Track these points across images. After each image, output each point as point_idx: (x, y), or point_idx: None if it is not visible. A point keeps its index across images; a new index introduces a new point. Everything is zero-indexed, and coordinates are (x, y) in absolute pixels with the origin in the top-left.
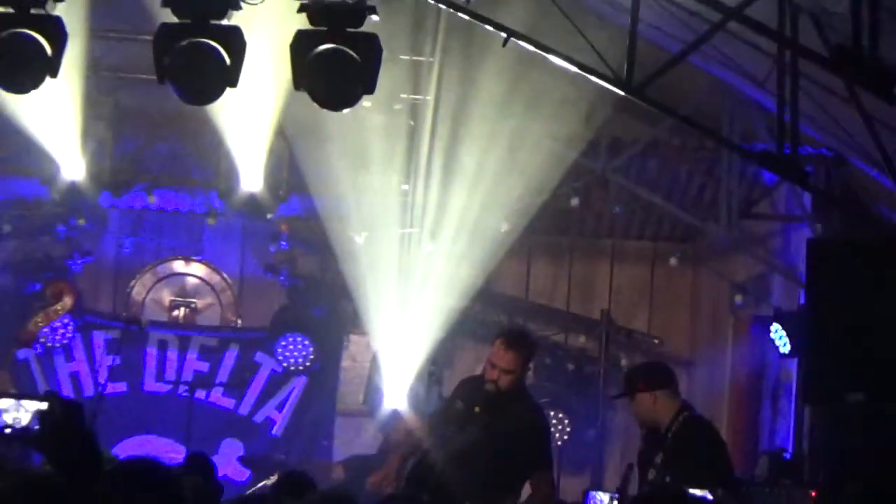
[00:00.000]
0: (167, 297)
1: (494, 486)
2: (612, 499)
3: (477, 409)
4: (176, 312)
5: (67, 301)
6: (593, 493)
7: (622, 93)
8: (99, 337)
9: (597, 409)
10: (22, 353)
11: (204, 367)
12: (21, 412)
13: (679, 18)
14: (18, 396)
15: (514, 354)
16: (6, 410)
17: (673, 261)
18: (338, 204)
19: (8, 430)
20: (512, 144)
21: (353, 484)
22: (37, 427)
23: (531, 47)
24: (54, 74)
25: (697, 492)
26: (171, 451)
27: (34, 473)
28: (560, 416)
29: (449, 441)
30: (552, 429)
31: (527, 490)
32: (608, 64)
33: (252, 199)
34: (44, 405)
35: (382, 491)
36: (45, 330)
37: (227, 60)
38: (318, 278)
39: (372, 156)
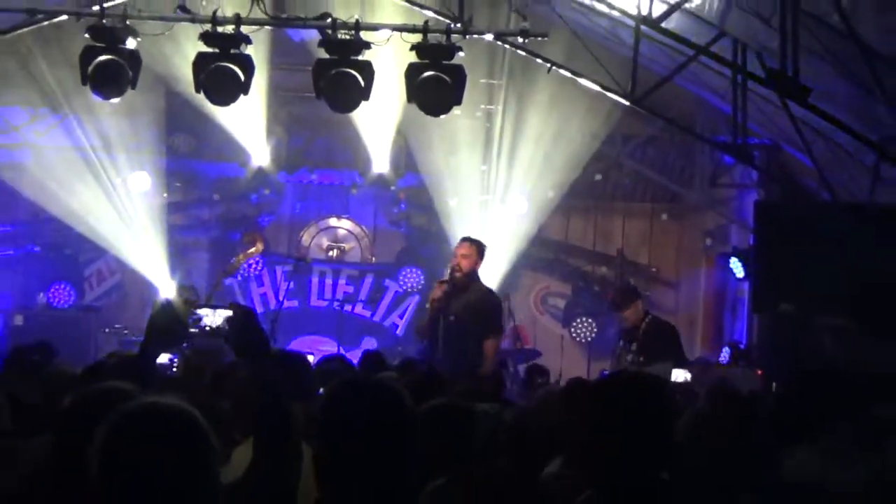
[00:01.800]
0: (325, 242)
1: (468, 349)
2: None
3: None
4: (331, 253)
5: (259, 246)
6: (605, 372)
7: (628, 103)
8: (279, 269)
9: (615, 315)
10: (228, 281)
11: (350, 289)
12: (215, 317)
13: (666, 52)
14: (213, 307)
15: (468, 245)
16: (206, 316)
17: (664, 216)
18: (438, 179)
19: (207, 329)
20: (555, 138)
21: None
22: (226, 326)
23: (567, 73)
24: (246, 93)
25: (681, 372)
26: (327, 346)
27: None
28: (589, 321)
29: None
30: (586, 331)
31: None
32: (618, 83)
33: (381, 176)
34: (229, 312)
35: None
36: (244, 266)
37: (362, 83)
38: (426, 229)
39: (460, 146)
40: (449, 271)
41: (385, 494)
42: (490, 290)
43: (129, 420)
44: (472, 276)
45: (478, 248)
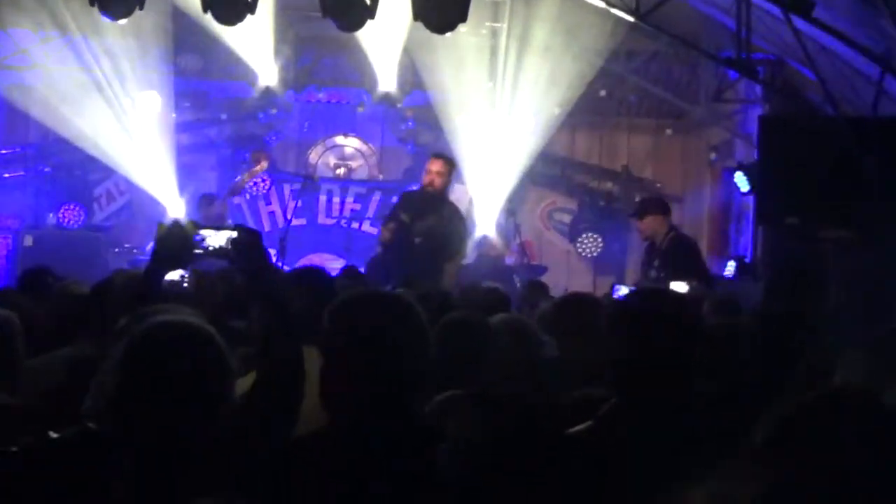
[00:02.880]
0: (332, 160)
1: (435, 269)
2: (629, 291)
3: (406, 217)
4: (338, 171)
5: (264, 164)
6: (617, 286)
7: (633, 19)
8: (287, 188)
9: (620, 230)
10: (236, 200)
11: (357, 206)
12: (218, 237)
13: None
14: (216, 227)
15: (441, 161)
16: (208, 237)
17: (669, 131)
18: (445, 96)
19: (210, 249)
20: (560, 55)
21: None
22: (230, 247)
23: None
24: (253, 12)
25: (680, 284)
26: (335, 263)
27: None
28: (595, 236)
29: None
30: (592, 246)
31: None
32: None
33: (388, 94)
34: (234, 233)
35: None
36: (250, 184)
37: (368, 1)
38: (433, 147)
39: (467, 63)
40: (422, 192)
41: (392, 403)
42: (458, 211)
43: (148, 336)
44: (443, 197)
45: (451, 167)
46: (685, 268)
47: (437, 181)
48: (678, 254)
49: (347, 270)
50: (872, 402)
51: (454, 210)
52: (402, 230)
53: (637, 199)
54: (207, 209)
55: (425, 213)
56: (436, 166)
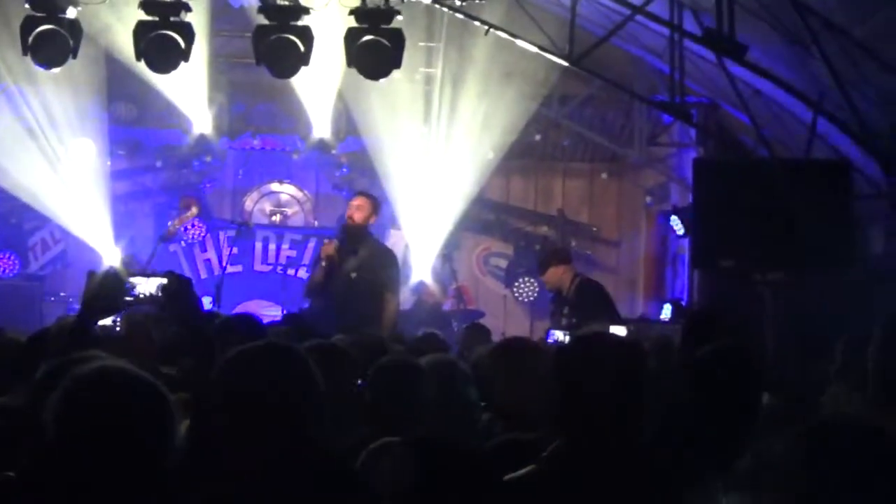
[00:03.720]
0: (268, 207)
1: (371, 306)
2: (564, 335)
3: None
4: (274, 217)
5: (194, 210)
6: (552, 331)
7: (566, 63)
8: (222, 235)
9: None
10: (171, 248)
11: (293, 253)
12: (149, 284)
13: (603, 12)
14: (146, 274)
15: (362, 198)
16: (139, 284)
17: (604, 175)
18: (380, 142)
19: (141, 296)
20: (494, 100)
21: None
22: (160, 294)
23: (505, 35)
24: (187, 60)
25: (619, 328)
26: (272, 310)
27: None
28: (531, 280)
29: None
30: (528, 290)
31: None
32: (556, 44)
33: (322, 141)
34: (164, 280)
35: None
36: (182, 231)
37: (302, 48)
38: (368, 192)
39: (401, 109)
40: (329, 248)
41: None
42: (385, 246)
43: (85, 385)
44: (366, 230)
45: (372, 203)
46: (595, 312)
47: (357, 215)
48: (587, 299)
49: (290, 318)
50: (871, 431)
51: (381, 245)
52: (333, 270)
53: (573, 243)
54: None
55: (353, 249)
56: (356, 202)
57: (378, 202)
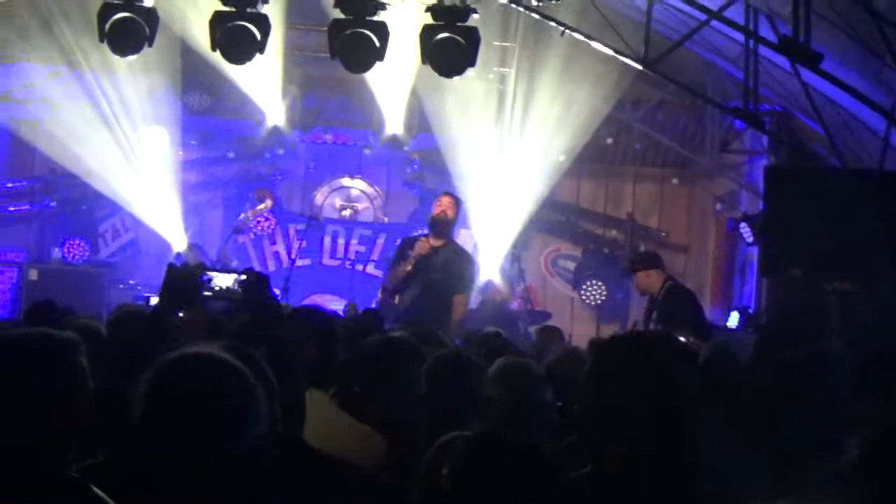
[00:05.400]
0: (338, 201)
1: (446, 306)
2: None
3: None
4: (344, 212)
5: (268, 202)
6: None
7: (641, 67)
8: (292, 228)
9: (624, 278)
10: (241, 239)
11: (362, 248)
12: (226, 279)
13: (678, 16)
14: (225, 270)
15: (451, 198)
16: (216, 278)
17: (675, 181)
18: (452, 140)
19: (217, 289)
20: (567, 102)
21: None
22: (237, 289)
23: (580, 36)
24: (262, 52)
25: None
26: (338, 303)
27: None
28: (599, 283)
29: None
30: (596, 293)
31: None
32: (631, 47)
33: (394, 137)
34: (237, 275)
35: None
36: (253, 223)
37: (377, 43)
38: (438, 190)
39: (474, 108)
40: (432, 222)
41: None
42: (465, 249)
43: (175, 368)
44: (451, 230)
45: (455, 201)
46: (679, 319)
47: (450, 212)
48: (672, 306)
49: (365, 313)
50: None
51: (461, 248)
52: (419, 268)
53: (641, 247)
54: (189, 256)
55: (435, 249)
56: (447, 199)
57: (460, 200)
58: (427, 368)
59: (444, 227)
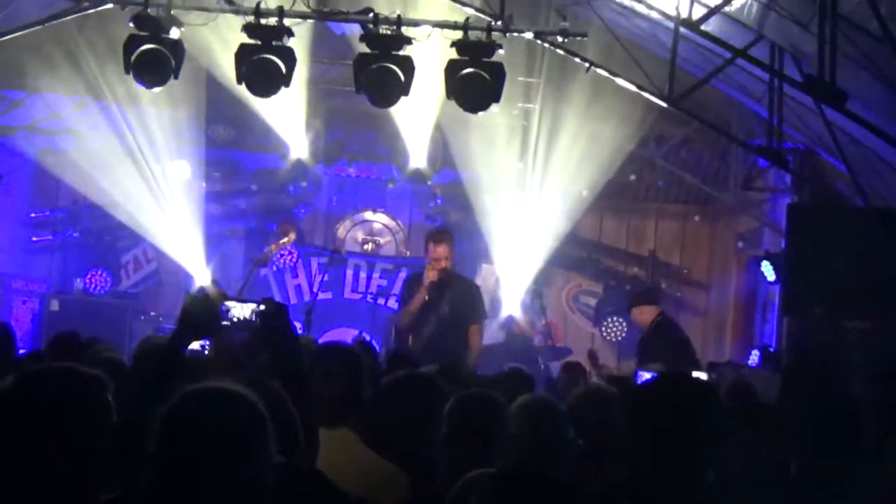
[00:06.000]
0: (360, 235)
1: (459, 341)
2: (652, 376)
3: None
4: (366, 246)
5: (292, 235)
6: (640, 371)
7: (664, 104)
8: (314, 261)
9: None
10: (262, 272)
11: (384, 283)
12: (244, 309)
13: (702, 53)
14: (242, 300)
15: (443, 246)
16: (234, 308)
17: (697, 218)
18: (475, 175)
19: (235, 320)
20: (590, 138)
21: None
22: (255, 319)
23: (605, 73)
24: (287, 85)
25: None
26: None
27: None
28: (619, 320)
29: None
30: (616, 330)
31: None
32: (655, 84)
33: (418, 171)
34: (259, 305)
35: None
36: (276, 256)
37: (402, 78)
38: (461, 225)
39: (497, 143)
40: (432, 274)
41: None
42: (469, 280)
43: (187, 402)
44: (452, 270)
45: (449, 244)
46: (663, 352)
47: (446, 263)
48: (652, 341)
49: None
50: None
51: (467, 279)
52: (429, 305)
53: (662, 284)
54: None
55: (442, 289)
56: (441, 251)
57: (452, 236)
58: (450, 408)
59: (447, 278)
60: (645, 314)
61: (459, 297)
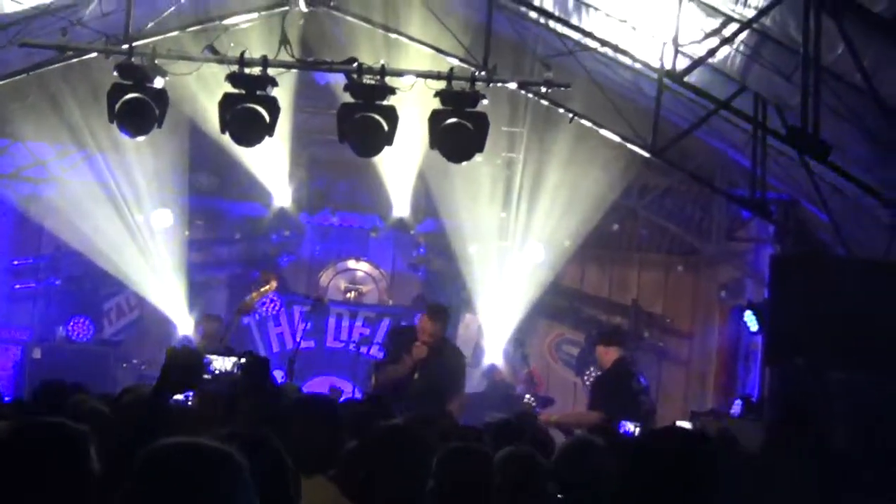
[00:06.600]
0: (343, 284)
1: (442, 402)
2: (635, 426)
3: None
4: (349, 294)
5: (273, 284)
6: (623, 422)
7: (648, 154)
8: (297, 310)
9: None
10: (245, 321)
11: (367, 331)
12: (225, 362)
13: (686, 104)
14: (224, 353)
15: (433, 324)
16: (215, 360)
17: (680, 268)
18: (458, 225)
19: (217, 373)
20: (573, 188)
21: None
22: (236, 372)
23: (588, 123)
24: (271, 135)
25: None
26: (343, 387)
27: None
28: None
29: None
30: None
31: None
32: (639, 135)
33: (401, 220)
34: (241, 358)
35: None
36: (258, 304)
37: (386, 128)
38: (444, 274)
39: (480, 193)
40: (420, 350)
41: None
42: (457, 353)
43: (157, 457)
44: (441, 342)
45: (442, 322)
46: (601, 402)
47: (433, 341)
48: (598, 386)
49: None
50: None
51: (452, 349)
52: (412, 371)
53: (646, 333)
54: (208, 325)
55: (429, 360)
56: (428, 331)
57: (448, 315)
58: (439, 461)
59: (435, 351)
60: (608, 354)
61: (441, 369)
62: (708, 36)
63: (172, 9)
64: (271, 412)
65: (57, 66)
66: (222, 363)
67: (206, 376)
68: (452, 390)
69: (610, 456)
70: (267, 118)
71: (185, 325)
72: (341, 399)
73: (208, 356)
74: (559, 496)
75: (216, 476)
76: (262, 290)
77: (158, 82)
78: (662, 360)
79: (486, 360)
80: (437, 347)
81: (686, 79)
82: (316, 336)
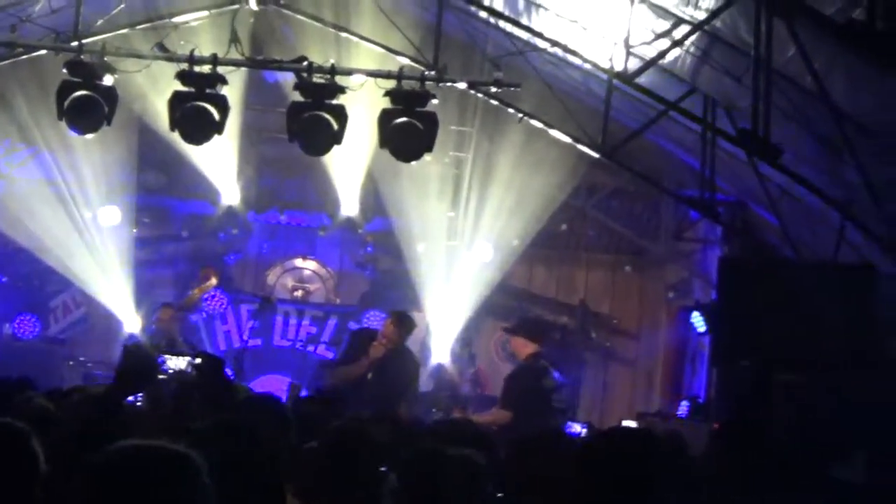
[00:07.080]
0: (290, 282)
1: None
2: (582, 427)
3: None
4: (296, 293)
5: (213, 280)
6: (570, 423)
7: (597, 155)
8: (244, 308)
9: (574, 365)
10: (192, 318)
11: (314, 330)
12: (179, 361)
13: (636, 105)
14: (177, 353)
15: (394, 328)
16: (170, 360)
17: (627, 268)
18: (406, 224)
19: (170, 372)
20: (522, 188)
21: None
22: (189, 371)
23: (538, 123)
24: (221, 133)
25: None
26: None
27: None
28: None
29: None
30: None
31: None
32: (588, 135)
33: (349, 219)
34: (196, 360)
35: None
36: (205, 302)
37: (335, 126)
38: (391, 273)
39: (429, 192)
40: (378, 350)
41: None
42: (413, 360)
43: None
44: (400, 348)
45: (405, 327)
46: (508, 400)
47: (390, 344)
48: (508, 383)
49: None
50: None
51: (409, 356)
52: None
53: (593, 333)
54: (163, 314)
55: (384, 363)
56: (388, 333)
57: (411, 322)
58: (404, 464)
59: (391, 355)
60: (526, 348)
61: (397, 372)
62: (659, 37)
63: (122, 6)
64: (223, 411)
65: (6, 62)
66: (176, 362)
67: (161, 376)
68: (405, 395)
69: (556, 456)
70: (216, 116)
71: (131, 322)
72: (301, 395)
73: (163, 356)
74: (499, 495)
75: (175, 478)
76: (203, 286)
77: (108, 80)
78: (609, 360)
79: (434, 360)
80: (396, 351)
81: (636, 80)
82: (263, 335)
